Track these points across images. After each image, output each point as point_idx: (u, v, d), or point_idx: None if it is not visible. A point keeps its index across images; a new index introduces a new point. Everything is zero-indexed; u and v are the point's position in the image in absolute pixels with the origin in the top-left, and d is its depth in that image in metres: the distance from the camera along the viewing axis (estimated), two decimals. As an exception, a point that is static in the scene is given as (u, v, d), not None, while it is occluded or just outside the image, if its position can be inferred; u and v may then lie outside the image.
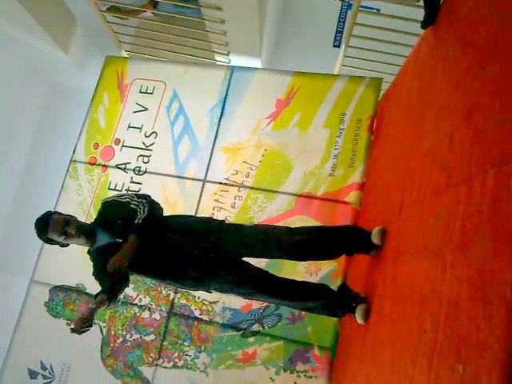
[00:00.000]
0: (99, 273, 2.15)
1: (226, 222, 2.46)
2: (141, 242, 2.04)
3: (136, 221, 2.07)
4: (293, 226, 2.32)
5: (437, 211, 1.54)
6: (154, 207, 2.17)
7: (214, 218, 3.10)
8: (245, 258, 2.26)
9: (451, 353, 1.17)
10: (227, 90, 3.55)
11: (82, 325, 1.86)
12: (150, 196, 2.24)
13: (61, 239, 2.07)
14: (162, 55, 3.97)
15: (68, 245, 2.16)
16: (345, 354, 2.78)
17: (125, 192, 3.40)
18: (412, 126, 2.21)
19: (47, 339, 3.36)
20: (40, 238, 2.11)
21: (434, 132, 1.80)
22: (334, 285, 2.80)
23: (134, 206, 2.12)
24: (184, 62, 3.79)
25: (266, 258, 2.42)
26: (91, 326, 1.92)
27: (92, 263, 2.20)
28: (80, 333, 1.87)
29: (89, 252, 2.22)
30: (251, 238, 2.20)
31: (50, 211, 2.16)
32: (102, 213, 2.22)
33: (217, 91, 3.55)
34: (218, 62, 4.12)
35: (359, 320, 2.11)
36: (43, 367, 3.33)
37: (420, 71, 2.33)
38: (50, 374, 3.32)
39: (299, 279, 2.38)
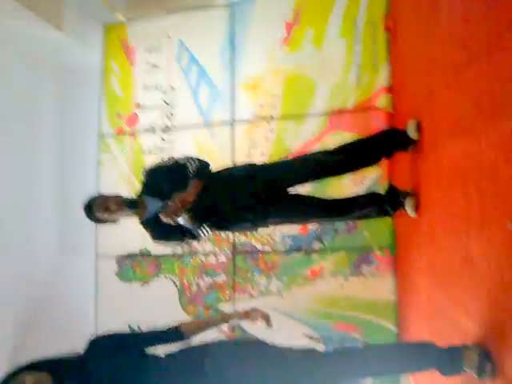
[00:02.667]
0: (164, 232, 2.20)
1: (266, 162, 2.49)
2: (202, 188, 2.10)
3: (191, 170, 2.13)
4: (329, 148, 2.36)
5: (464, 89, 1.58)
6: (202, 160, 2.24)
7: (252, 159, 3.26)
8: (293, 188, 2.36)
9: (498, 214, 1.28)
10: (232, 25, 3.48)
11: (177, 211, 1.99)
12: None
13: (106, 216, 2.13)
14: (158, 8, 3.83)
15: (118, 220, 2.21)
16: (404, 247, 2.95)
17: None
18: (426, 12, 2.18)
19: (127, 304, 3.59)
20: (91, 220, 2.19)
21: (448, 11, 1.79)
22: (382, 189, 2.93)
23: (182, 162, 2.18)
24: (182, 10, 3.67)
25: (312, 181, 2.49)
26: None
27: (149, 231, 2.24)
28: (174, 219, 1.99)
29: (142, 223, 2.26)
30: (293, 169, 2.28)
31: (93, 196, 2.22)
32: (146, 180, 2.26)
33: (222, 30, 3.49)
34: (216, 1, 3.95)
35: (410, 213, 2.22)
36: (131, 330, 3.59)
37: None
38: (140, 334, 3.58)
39: (346, 193, 2.48)
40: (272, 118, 3.39)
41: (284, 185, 2.31)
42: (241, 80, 3.46)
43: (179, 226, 2.12)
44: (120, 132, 3.63)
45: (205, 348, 1.63)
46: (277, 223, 2.48)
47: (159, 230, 2.18)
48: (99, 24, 3.58)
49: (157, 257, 3.57)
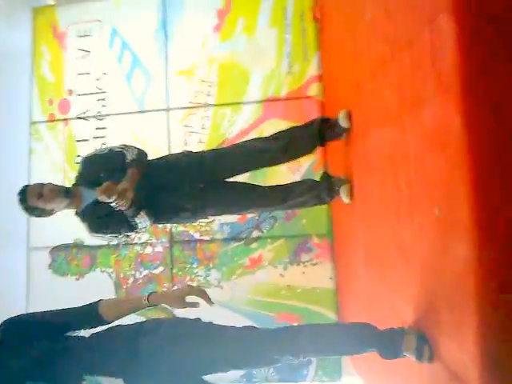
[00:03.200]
0: (101, 224, 2.12)
1: (204, 150, 2.49)
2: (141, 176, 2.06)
3: (128, 158, 2.09)
4: (265, 135, 2.41)
5: (388, 81, 1.64)
6: (139, 148, 2.19)
7: (188, 147, 3.24)
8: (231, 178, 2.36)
9: (426, 201, 1.32)
10: (165, 12, 3.45)
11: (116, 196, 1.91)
12: None
13: (40, 203, 2.05)
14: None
15: (53, 211, 2.14)
16: (341, 234, 2.99)
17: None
18: (351, 4, 2.26)
19: (62, 298, 3.41)
20: (25, 209, 2.11)
21: (372, 5, 1.86)
22: (317, 176, 2.96)
23: (119, 150, 2.14)
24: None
25: (249, 171, 2.48)
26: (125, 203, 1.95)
27: (86, 223, 2.17)
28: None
29: (77, 214, 2.20)
30: (232, 158, 2.30)
31: (27, 184, 2.15)
32: (82, 170, 2.20)
33: (154, 16, 3.45)
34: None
35: (345, 200, 2.26)
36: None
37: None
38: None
39: (283, 181, 2.51)
40: (207, 105, 3.36)
41: (222, 174, 2.31)
42: (175, 67, 3.43)
43: (117, 217, 2.05)
44: (52, 119, 3.52)
45: (139, 327, 1.47)
46: (216, 214, 2.46)
47: (96, 221, 2.12)
48: (28, 6, 3.47)
49: (92, 249, 3.46)
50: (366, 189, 2.08)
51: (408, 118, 1.42)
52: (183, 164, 2.24)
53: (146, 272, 3.40)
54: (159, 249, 3.40)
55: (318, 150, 3.14)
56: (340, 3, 2.58)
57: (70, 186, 2.23)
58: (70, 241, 3.46)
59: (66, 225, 3.37)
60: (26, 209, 2.09)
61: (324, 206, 3.11)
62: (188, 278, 3.36)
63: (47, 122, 3.52)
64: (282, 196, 2.35)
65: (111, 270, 3.44)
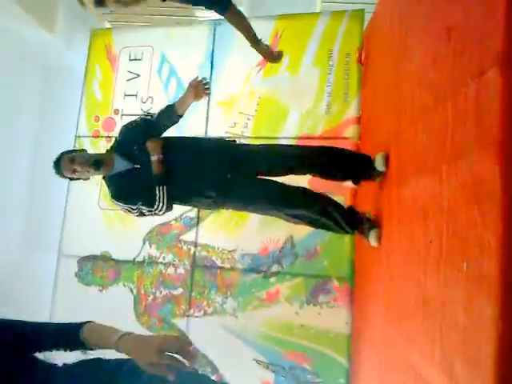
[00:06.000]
0: (124, 192, 2.17)
1: (238, 142, 2.43)
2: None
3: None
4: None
5: (429, 130, 1.63)
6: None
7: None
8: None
9: (455, 255, 1.29)
10: (213, 45, 3.59)
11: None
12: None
13: (75, 176, 2.14)
14: (144, 20, 3.97)
15: (88, 178, 2.22)
16: (363, 278, 2.94)
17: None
18: (398, 51, 2.26)
19: (83, 307, 3.55)
20: (61, 177, 2.20)
21: (418, 54, 1.86)
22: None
23: (150, 118, 2.23)
24: (167, 24, 3.82)
25: (277, 173, 2.30)
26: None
27: (111, 188, 2.23)
28: None
29: (104, 178, 2.26)
30: (267, 156, 2.25)
31: (61, 153, 2.20)
32: (119, 139, 2.25)
33: (203, 47, 3.59)
34: (200, 18, 4.11)
35: (373, 243, 2.21)
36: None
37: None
38: (91, 338, 3.55)
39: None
40: (243, 136, 3.43)
41: (257, 172, 2.25)
42: (216, 97, 3.53)
43: (139, 190, 2.13)
44: (96, 135, 3.70)
45: (120, 364, 1.22)
46: (235, 208, 2.39)
47: (119, 189, 2.19)
48: (87, 29, 3.70)
49: (118, 263, 3.57)
50: (394, 235, 2.04)
51: (445, 168, 1.41)
52: (215, 149, 2.23)
53: (165, 292, 3.47)
54: (181, 271, 3.47)
55: (348, 191, 3.16)
56: (386, 48, 2.58)
57: (106, 152, 2.27)
58: (98, 252, 3.60)
59: (96, 236, 3.57)
60: (62, 177, 2.19)
61: (347, 250, 3.10)
62: (205, 302, 3.40)
63: (91, 137, 3.71)
64: (309, 199, 2.25)
65: (133, 285, 3.54)
